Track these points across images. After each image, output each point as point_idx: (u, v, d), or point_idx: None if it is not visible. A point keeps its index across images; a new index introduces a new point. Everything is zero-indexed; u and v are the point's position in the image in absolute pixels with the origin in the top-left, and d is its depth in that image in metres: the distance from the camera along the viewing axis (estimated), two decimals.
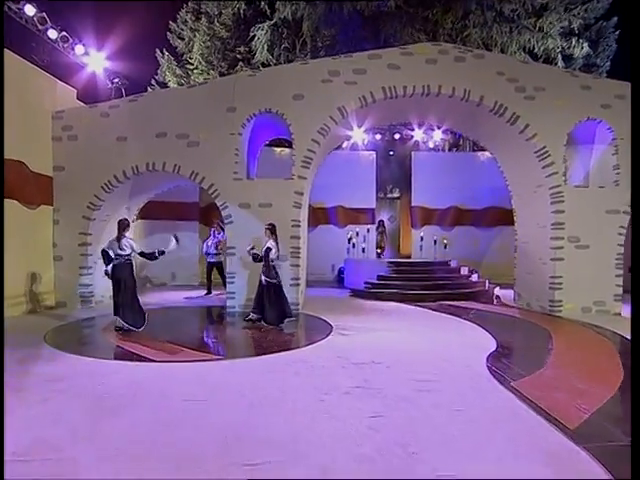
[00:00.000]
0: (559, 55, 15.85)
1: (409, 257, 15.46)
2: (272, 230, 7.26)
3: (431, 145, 16.67)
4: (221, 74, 15.60)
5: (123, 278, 6.53)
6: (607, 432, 3.24)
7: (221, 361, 4.87)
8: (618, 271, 8.52)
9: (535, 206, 9.25)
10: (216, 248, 10.80)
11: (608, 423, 3.37)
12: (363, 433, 3.17)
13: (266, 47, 15.71)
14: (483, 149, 15.61)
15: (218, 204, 8.58)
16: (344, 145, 15.35)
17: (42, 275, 8.21)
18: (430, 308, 9.25)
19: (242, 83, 8.56)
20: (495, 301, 10.81)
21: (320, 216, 15.23)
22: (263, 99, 8.45)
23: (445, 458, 2.83)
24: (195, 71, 16.21)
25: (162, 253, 6.77)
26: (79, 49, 10.64)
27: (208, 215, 13.17)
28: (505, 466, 2.75)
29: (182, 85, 15.07)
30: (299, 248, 8.46)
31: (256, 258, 7.19)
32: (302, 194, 8.54)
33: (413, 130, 16.00)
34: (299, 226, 8.48)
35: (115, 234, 6.57)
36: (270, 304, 6.99)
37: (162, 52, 16.25)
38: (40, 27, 9.77)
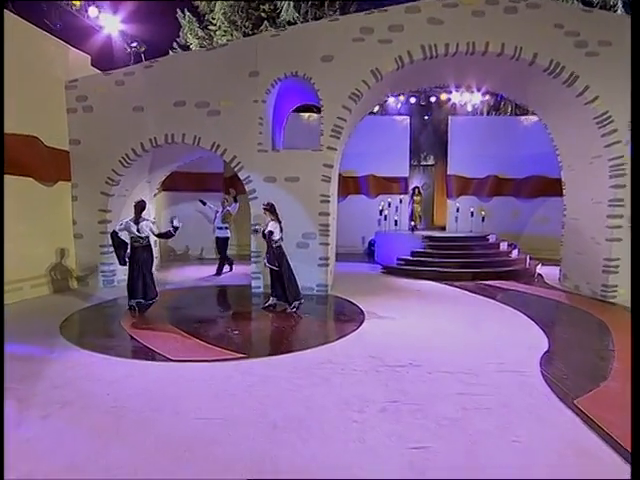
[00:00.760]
0: (619, 1, 14.07)
1: (443, 228, 14.68)
2: (271, 210, 6.69)
3: (469, 109, 15.44)
4: (245, 34, 14.67)
5: (141, 261, 6.20)
6: None
7: (241, 361, 4.45)
8: None
9: (590, 179, 8.27)
10: (222, 221, 10.02)
11: None
12: (403, 474, 2.68)
13: (292, 4, 14.61)
14: (526, 112, 14.41)
15: (241, 178, 8.04)
16: (376, 109, 14.38)
17: (64, 254, 7.99)
18: (467, 289, 8.60)
19: (265, 44, 7.79)
20: (536, 280, 10.03)
21: (350, 185, 14.53)
22: (289, 62, 7.69)
23: None
24: (218, 32, 15.31)
25: (176, 229, 6.40)
26: (92, 11, 10.01)
27: (233, 186, 12.70)
28: None
29: (204, 48, 14.27)
30: (328, 225, 7.88)
31: (257, 231, 6.95)
32: (331, 167, 7.87)
33: (450, 92, 14.82)
34: (328, 201, 7.86)
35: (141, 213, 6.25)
36: (279, 287, 6.64)
37: (183, 12, 15.37)
38: None
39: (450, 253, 10.52)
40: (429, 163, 16.53)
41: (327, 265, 7.92)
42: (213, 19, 15.32)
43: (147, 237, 6.27)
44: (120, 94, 7.94)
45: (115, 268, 8.37)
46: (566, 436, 3.11)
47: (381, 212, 12.93)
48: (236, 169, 8.01)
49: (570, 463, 2.80)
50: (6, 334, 5.27)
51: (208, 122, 7.87)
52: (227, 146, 7.92)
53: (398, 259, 10.72)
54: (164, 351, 4.66)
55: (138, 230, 6.11)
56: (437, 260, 10.31)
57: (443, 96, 15.00)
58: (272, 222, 6.57)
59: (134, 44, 11.23)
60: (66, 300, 7.29)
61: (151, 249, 6.37)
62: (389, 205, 13.44)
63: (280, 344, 5.14)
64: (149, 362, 4.38)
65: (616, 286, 7.66)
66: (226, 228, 10.09)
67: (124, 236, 6.21)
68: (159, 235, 6.61)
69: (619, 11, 13.97)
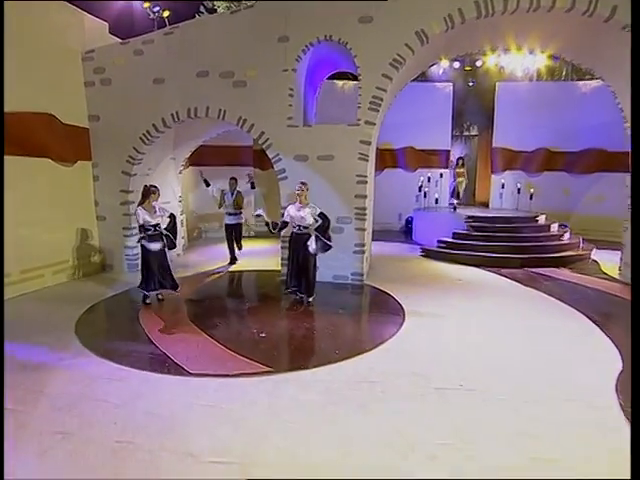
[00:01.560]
0: None
1: (486, 205, 13.65)
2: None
3: (519, 74, 13.98)
4: None
5: (156, 251, 5.77)
6: None
7: (267, 377, 3.93)
8: None
9: None
10: (234, 206, 8.45)
11: None
12: None
13: None
14: (584, 77, 12.92)
15: (270, 156, 7.38)
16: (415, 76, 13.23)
17: (87, 237, 7.65)
18: (516, 278, 7.80)
19: (296, 5, 6.92)
20: (592, 268, 9.03)
21: (387, 158, 13.61)
22: (322, 24, 6.83)
23: None
24: None
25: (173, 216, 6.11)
26: None
27: (263, 159, 12.08)
28: None
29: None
30: (365, 209, 7.17)
31: (275, 227, 6.04)
32: (369, 144, 7.08)
33: (499, 56, 13.40)
34: (365, 182, 7.12)
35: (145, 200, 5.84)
36: (303, 280, 6.06)
37: None
38: None
39: (496, 236, 9.63)
40: (473, 134, 15.27)
41: (363, 252, 7.27)
42: None
43: (158, 224, 5.84)
44: (139, 65, 7.32)
45: (138, 252, 8.00)
46: None
47: (420, 188, 12.06)
48: (264, 146, 7.36)
49: None
50: (20, 329, 4.99)
51: (233, 94, 7.19)
52: (254, 121, 7.25)
53: (438, 241, 9.93)
54: (182, 360, 4.20)
55: (152, 216, 5.71)
56: (481, 243, 9.47)
57: (489, 59, 13.62)
58: (309, 208, 5.88)
59: (156, 9, 10.49)
60: (87, 287, 6.98)
61: (162, 237, 5.90)
62: (428, 180, 12.53)
63: (311, 353, 4.58)
64: (164, 375, 3.92)
65: None
66: (239, 213, 8.60)
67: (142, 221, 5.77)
68: (168, 231, 6.01)
69: None
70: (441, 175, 12.98)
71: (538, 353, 4.55)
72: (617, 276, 8.11)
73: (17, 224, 6.28)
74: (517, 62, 13.63)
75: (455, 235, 9.91)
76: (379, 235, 10.97)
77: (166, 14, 10.67)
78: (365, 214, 7.18)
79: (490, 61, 13.69)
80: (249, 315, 5.81)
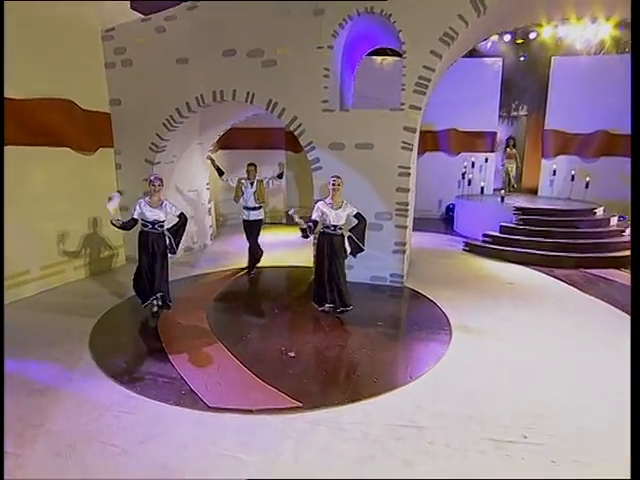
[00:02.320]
0: None
1: (534, 192, 12.55)
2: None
3: (579, 46, 12.57)
4: None
5: (154, 253, 5.18)
6: None
7: (295, 414, 3.39)
8: None
9: None
10: (257, 199, 6.99)
11: None
12: None
13: None
14: None
15: (302, 144, 6.73)
16: None
17: (110, 227, 7.25)
18: (573, 282, 6.98)
19: None
20: None
21: (428, 141, 12.66)
22: None
23: None
24: None
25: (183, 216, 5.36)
26: None
27: (296, 141, 11.44)
28: None
29: None
30: (407, 204, 6.46)
31: (310, 231, 5.11)
32: (414, 131, 6.31)
33: (556, 27, 12.04)
34: (408, 175, 6.38)
35: (163, 190, 5.29)
36: (335, 289, 5.32)
37: None
38: None
39: (548, 230, 8.68)
40: (522, 114, 14.05)
41: (404, 252, 6.59)
42: None
43: (162, 222, 5.18)
44: (161, 43, 6.73)
45: None
46: None
47: (463, 175, 11.15)
48: (297, 133, 6.70)
49: None
50: (34, 337, 4.65)
51: (263, 75, 6.52)
52: (285, 104, 6.58)
53: (484, 235, 9.10)
54: (200, 387, 3.71)
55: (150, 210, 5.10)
56: (531, 239, 8.58)
57: (544, 30, 12.28)
58: (344, 206, 5.17)
59: None
60: (109, 284, 6.63)
61: (164, 236, 5.21)
62: (472, 165, 11.58)
63: (346, 381, 3.98)
64: (179, 409, 3.44)
65: None
66: (260, 208, 7.10)
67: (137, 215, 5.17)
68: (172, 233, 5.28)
69: None
70: (486, 160, 11.98)
71: (614, 390, 3.80)
72: None
73: (36, 218, 5.93)
74: (577, 33, 12.23)
75: (502, 229, 9.04)
76: (418, 224, 10.15)
77: None
78: (407, 210, 6.47)
79: (545, 33, 12.34)
80: (277, 326, 5.23)
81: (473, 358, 4.39)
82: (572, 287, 6.81)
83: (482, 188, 10.15)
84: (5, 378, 3.73)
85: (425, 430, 3.25)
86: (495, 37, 12.14)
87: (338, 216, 5.13)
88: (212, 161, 7.43)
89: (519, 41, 12.75)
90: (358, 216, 5.22)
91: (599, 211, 9.59)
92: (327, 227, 5.19)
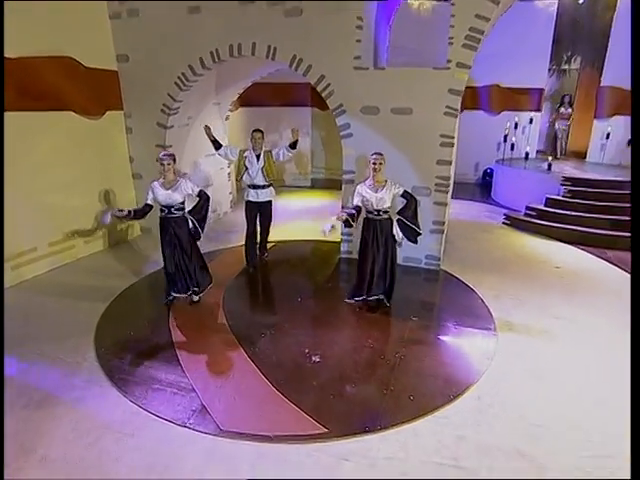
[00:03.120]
0: None
1: (581, 157, 11.40)
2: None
3: None
4: None
5: (178, 241, 4.63)
6: None
7: (319, 444, 2.92)
8: None
9: None
10: (267, 175, 5.61)
11: None
12: None
13: None
14: None
15: (331, 107, 5.97)
16: None
17: (123, 196, 6.78)
18: (629, 267, 6.19)
19: None
20: None
21: (467, 98, 11.29)
22: None
23: None
24: None
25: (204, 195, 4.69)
26: None
27: (322, 100, 10.57)
28: None
29: None
30: (448, 179, 5.70)
31: (349, 220, 4.36)
32: (460, 94, 5.46)
33: None
34: (451, 145, 5.58)
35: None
36: (389, 279, 4.77)
37: None
38: None
39: (600, 205, 7.76)
40: (572, 67, 12.56)
41: (442, 232, 5.91)
42: None
43: (181, 205, 4.57)
44: None
45: None
46: None
47: (506, 137, 10.11)
48: (324, 94, 5.91)
49: None
50: (38, 328, 4.30)
51: (286, 26, 5.66)
52: (312, 61, 5.76)
53: (527, 208, 8.26)
54: (213, 403, 3.27)
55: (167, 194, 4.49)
56: (581, 214, 7.71)
57: None
58: (388, 186, 4.46)
59: None
60: (123, 259, 6.23)
61: (186, 220, 4.63)
62: (515, 127, 10.46)
63: (378, 398, 3.41)
64: (187, 431, 3.02)
65: None
66: (269, 186, 5.70)
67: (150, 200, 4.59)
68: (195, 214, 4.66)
69: None
70: (531, 120, 10.80)
71: None
72: None
73: (40, 191, 5.47)
74: None
75: (548, 201, 8.16)
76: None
77: None
78: (448, 185, 5.72)
79: None
80: (300, 320, 4.65)
81: (522, 369, 3.81)
82: (628, 274, 6.06)
83: (527, 154, 9.14)
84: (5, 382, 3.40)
85: (467, 469, 2.75)
86: None
87: (381, 199, 4.46)
88: (208, 130, 5.63)
89: None
90: (406, 195, 4.53)
91: None
92: (370, 212, 4.54)
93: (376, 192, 4.44)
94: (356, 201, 4.53)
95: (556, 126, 10.44)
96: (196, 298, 4.93)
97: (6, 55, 4.78)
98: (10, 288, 5.14)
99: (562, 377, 3.71)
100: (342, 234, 6.30)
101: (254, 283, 5.73)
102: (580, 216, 7.66)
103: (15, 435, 2.96)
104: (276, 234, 6.72)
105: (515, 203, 9.07)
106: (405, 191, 4.53)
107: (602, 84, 10.86)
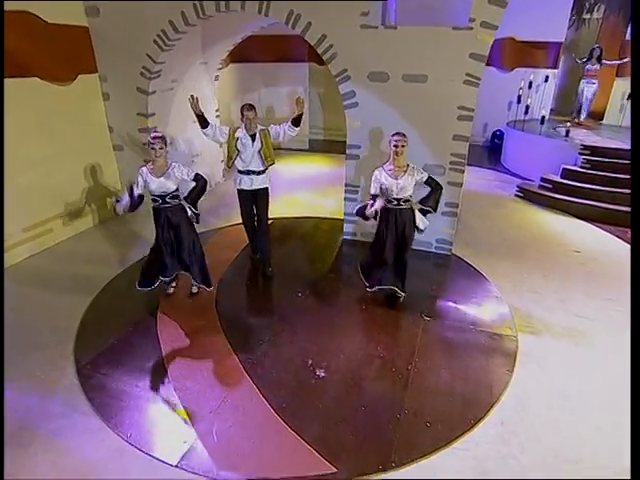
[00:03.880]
0: None
1: (599, 118, 10.65)
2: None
3: None
4: None
5: (176, 235, 4.18)
6: None
7: None
8: None
9: None
10: (265, 159, 4.64)
11: None
12: None
13: None
14: None
15: (333, 73, 5.27)
16: None
17: (102, 173, 6.16)
18: None
19: None
20: None
21: None
22: None
23: None
24: None
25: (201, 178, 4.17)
26: None
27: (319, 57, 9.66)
28: None
29: None
30: (464, 157, 5.13)
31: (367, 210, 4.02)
32: (482, 59, 4.79)
33: None
34: (470, 119, 4.96)
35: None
36: (402, 269, 4.36)
37: None
38: None
39: (623, 178, 7.18)
40: (594, 17, 11.51)
41: (455, 214, 5.41)
42: None
43: (174, 192, 4.05)
44: None
45: None
46: None
47: (519, 98, 9.35)
48: (326, 57, 5.20)
49: None
50: (11, 334, 3.86)
51: None
52: (311, 17, 5.01)
53: (542, 180, 7.70)
54: (207, 437, 2.88)
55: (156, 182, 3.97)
56: (601, 188, 7.17)
57: None
58: (411, 172, 3.95)
59: None
60: (106, 241, 5.72)
61: (182, 208, 4.12)
62: (529, 86, 9.65)
63: (390, 427, 3.00)
64: (178, 472, 2.66)
65: None
66: (265, 171, 4.72)
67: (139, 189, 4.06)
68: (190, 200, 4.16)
69: None
70: (546, 79, 9.97)
71: None
72: None
73: (9, 171, 4.85)
74: None
75: (565, 173, 7.60)
76: None
77: None
78: (463, 163, 5.15)
79: None
80: (300, 321, 4.19)
81: (547, 384, 3.44)
82: None
83: (542, 118, 8.44)
84: None
85: None
86: None
87: (403, 186, 3.93)
88: (194, 102, 4.41)
89: None
90: (431, 182, 4.03)
91: None
92: (389, 201, 4.02)
93: (396, 179, 3.92)
94: (373, 189, 4.04)
95: (580, 85, 9.48)
96: (195, 290, 4.58)
97: None
98: None
99: (595, 394, 3.35)
100: (345, 214, 5.79)
101: (250, 273, 5.22)
102: (600, 190, 7.12)
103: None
104: (272, 209, 6.16)
105: (527, 172, 8.51)
106: (430, 177, 4.01)
107: (627, 37, 9.97)
